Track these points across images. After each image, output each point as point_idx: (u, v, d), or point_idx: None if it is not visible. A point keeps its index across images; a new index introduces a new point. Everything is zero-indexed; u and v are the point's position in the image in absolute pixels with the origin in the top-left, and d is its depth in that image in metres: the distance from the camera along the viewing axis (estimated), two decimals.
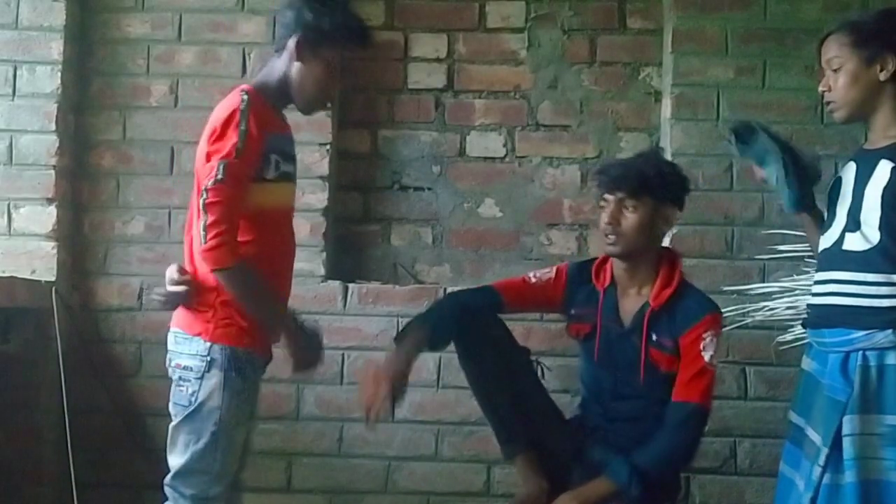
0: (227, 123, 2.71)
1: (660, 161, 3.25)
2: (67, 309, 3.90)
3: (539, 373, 3.41)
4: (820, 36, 2.83)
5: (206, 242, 2.68)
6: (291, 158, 2.91)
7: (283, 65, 2.87)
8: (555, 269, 3.37)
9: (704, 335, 3.09)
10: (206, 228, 2.67)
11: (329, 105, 3.00)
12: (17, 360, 3.77)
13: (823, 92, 2.80)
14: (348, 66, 2.97)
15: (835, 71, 2.75)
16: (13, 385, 3.76)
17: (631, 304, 3.22)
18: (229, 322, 2.78)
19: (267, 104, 2.82)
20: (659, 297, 3.16)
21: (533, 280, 3.34)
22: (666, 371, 3.14)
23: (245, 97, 2.74)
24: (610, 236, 3.17)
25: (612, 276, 3.26)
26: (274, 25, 3.90)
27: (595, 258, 3.33)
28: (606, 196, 3.19)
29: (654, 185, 3.15)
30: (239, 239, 2.74)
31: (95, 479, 3.86)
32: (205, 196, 2.68)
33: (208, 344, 2.77)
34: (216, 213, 2.67)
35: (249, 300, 2.79)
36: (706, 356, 3.08)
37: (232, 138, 2.69)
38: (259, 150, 2.74)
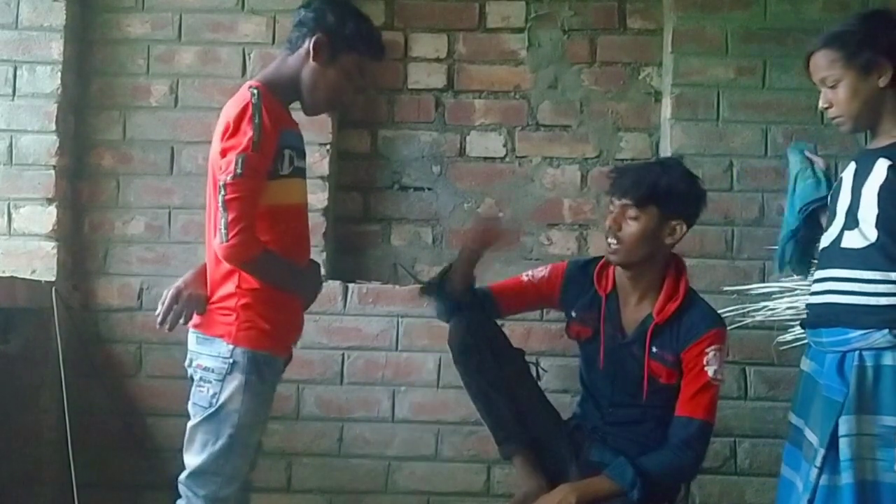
0: (240, 118, 2.70)
1: (676, 173, 3.17)
2: (67, 309, 3.90)
3: (535, 374, 3.39)
4: (806, 53, 2.82)
5: (227, 241, 2.67)
6: (303, 154, 2.91)
7: (295, 63, 2.87)
8: (549, 267, 3.36)
9: (708, 350, 3.06)
10: (228, 226, 2.67)
11: (335, 110, 2.98)
12: (17, 360, 3.76)
13: (825, 109, 2.79)
14: (362, 78, 2.98)
15: (832, 87, 2.74)
16: (13, 385, 3.76)
17: (633, 312, 3.20)
18: (251, 325, 2.78)
19: (276, 100, 2.81)
20: (664, 312, 3.13)
21: (525, 278, 3.35)
22: (666, 383, 3.12)
23: (255, 92, 2.73)
24: (611, 241, 3.14)
25: (615, 282, 3.23)
26: (274, 24, 3.99)
27: (597, 258, 3.30)
28: (613, 200, 3.17)
29: (662, 197, 3.10)
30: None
31: (95, 479, 3.84)
32: (223, 192, 2.67)
33: (231, 346, 2.76)
34: (236, 210, 2.67)
35: (282, 282, 2.82)
36: (710, 371, 3.05)
37: (247, 132, 2.68)
38: (274, 145, 2.74)
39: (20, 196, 3.92)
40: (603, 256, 3.26)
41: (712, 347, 3.07)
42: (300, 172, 2.89)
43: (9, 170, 3.93)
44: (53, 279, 3.87)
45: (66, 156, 3.97)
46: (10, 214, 3.92)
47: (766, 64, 3.93)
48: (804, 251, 3.03)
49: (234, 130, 2.71)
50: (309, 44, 2.84)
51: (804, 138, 3.78)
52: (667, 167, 3.20)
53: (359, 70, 2.94)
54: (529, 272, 3.37)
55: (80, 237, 4.04)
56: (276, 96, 2.82)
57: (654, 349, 3.12)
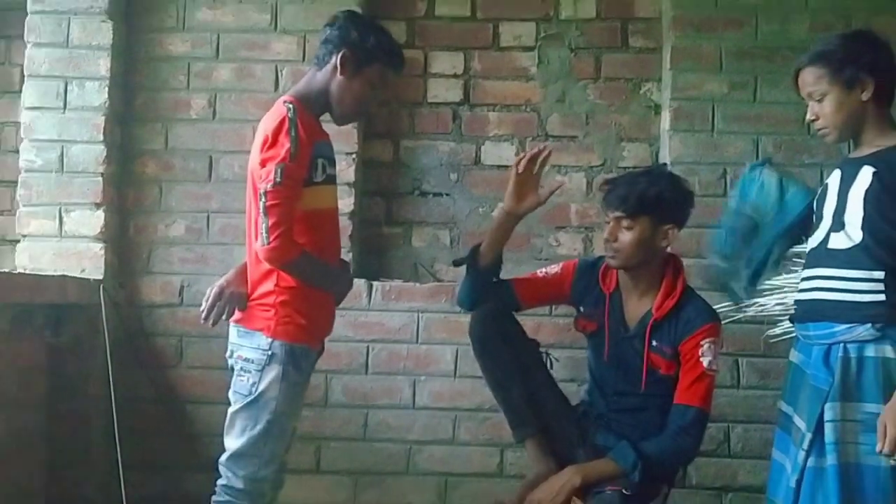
0: (278, 131, 2.79)
1: (663, 182, 3.24)
2: (114, 305, 3.97)
3: (548, 363, 3.47)
4: (794, 70, 2.89)
5: (268, 243, 2.75)
6: (333, 162, 2.99)
7: (324, 77, 2.95)
8: (561, 265, 3.44)
9: (703, 342, 3.14)
10: (269, 230, 2.75)
11: (362, 118, 3.08)
12: (68, 353, 3.85)
13: (812, 121, 2.84)
14: (389, 87, 3.07)
15: (819, 101, 2.80)
16: (65, 375, 3.84)
17: (635, 309, 3.28)
18: (289, 320, 2.87)
19: (309, 113, 2.89)
20: (662, 308, 3.21)
21: (541, 275, 3.44)
22: (665, 373, 3.21)
23: (291, 107, 2.81)
24: (609, 251, 3.24)
25: (618, 281, 3.31)
26: (305, 43, 4.07)
27: (603, 257, 3.37)
28: (608, 212, 3.25)
29: (652, 206, 3.18)
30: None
31: (140, 461, 3.92)
32: (264, 199, 2.75)
33: (269, 339, 2.85)
34: (276, 215, 2.75)
35: (317, 281, 2.92)
36: (705, 362, 3.13)
37: (285, 144, 2.77)
38: (309, 155, 2.83)
39: (71, 201, 4.00)
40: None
41: (707, 340, 3.15)
42: (332, 179, 2.98)
43: (60, 177, 4.00)
44: (101, 278, 3.95)
45: (112, 164, 4.05)
46: (61, 218, 4.00)
47: (757, 80, 4.00)
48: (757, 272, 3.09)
49: (272, 142, 2.79)
50: (336, 59, 2.91)
51: (792, 148, 3.93)
52: (654, 177, 3.27)
53: (382, 80, 3.01)
54: (544, 269, 3.44)
55: (125, 239, 4.11)
56: (309, 109, 2.90)
57: (653, 342, 3.20)
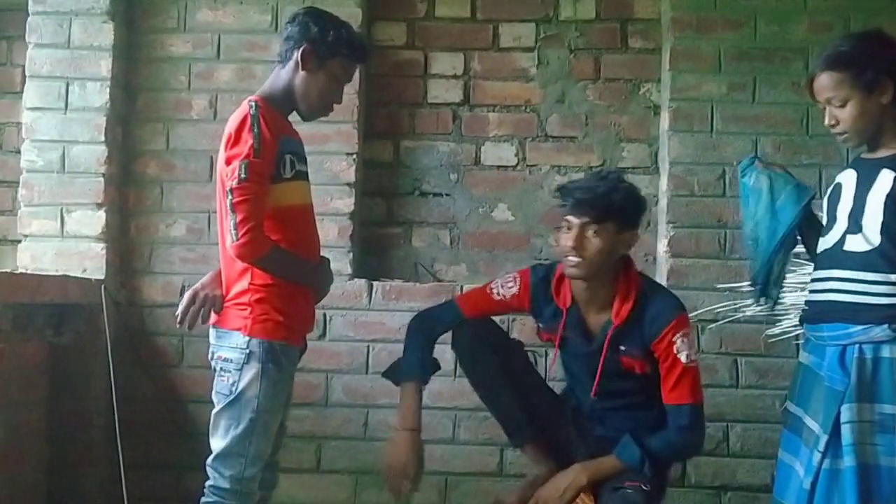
0: (240, 129, 2.77)
1: (622, 186, 3.10)
2: (115, 305, 3.95)
3: (534, 360, 3.42)
4: (809, 75, 2.84)
5: (238, 240, 2.73)
6: (304, 159, 2.95)
7: (288, 74, 2.94)
8: (518, 281, 3.25)
9: (675, 339, 3.02)
10: (237, 226, 2.73)
11: (328, 113, 3.04)
12: (70, 352, 3.83)
13: (831, 126, 2.77)
14: (350, 78, 3.05)
15: (839, 106, 2.73)
16: (66, 374, 3.82)
17: (595, 319, 3.14)
18: (266, 318, 2.83)
19: (275, 111, 2.86)
20: (620, 314, 3.07)
21: (497, 297, 3.25)
22: (641, 372, 3.11)
23: (254, 104, 2.79)
24: (572, 258, 3.04)
25: (573, 295, 3.15)
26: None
27: (553, 266, 3.22)
28: (570, 218, 3.05)
29: (618, 211, 3.04)
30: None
31: (141, 461, 3.92)
32: (231, 196, 2.73)
33: (247, 338, 2.81)
34: (244, 211, 2.72)
35: (292, 275, 2.88)
36: (682, 357, 3.02)
37: (248, 141, 2.74)
38: (274, 150, 2.80)
39: (72, 201, 3.97)
40: (559, 262, 3.17)
41: (678, 335, 3.02)
42: (302, 175, 2.93)
43: (62, 177, 3.98)
44: (103, 277, 3.93)
45: (114, 164, 4.02)
46: (63, 218, 3.98)
47: (755, 80, 3.98)
48: (780, 274, 3.00)
49: (235, 140, 2.77)
50: (297, 55, 2.89)
51: (790, 148, 3.89)
52: (611, 182, 3.10)
53: (345, 73, 2.99)
54: (498, 287, 3.25)
55: (126, 239, 4.08)
56: (275, 107, 2.88)
57: (622, 347, 3.08)
